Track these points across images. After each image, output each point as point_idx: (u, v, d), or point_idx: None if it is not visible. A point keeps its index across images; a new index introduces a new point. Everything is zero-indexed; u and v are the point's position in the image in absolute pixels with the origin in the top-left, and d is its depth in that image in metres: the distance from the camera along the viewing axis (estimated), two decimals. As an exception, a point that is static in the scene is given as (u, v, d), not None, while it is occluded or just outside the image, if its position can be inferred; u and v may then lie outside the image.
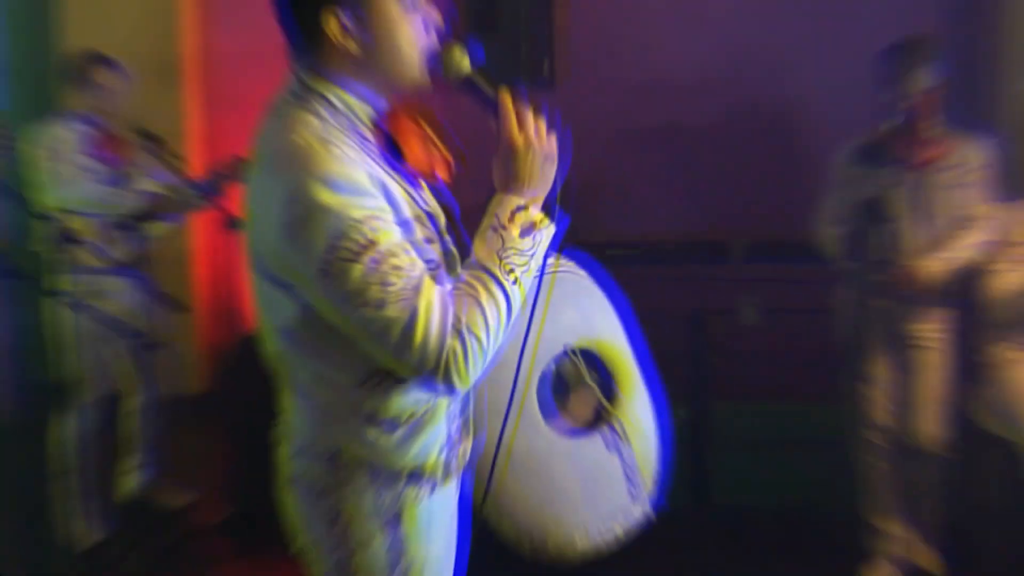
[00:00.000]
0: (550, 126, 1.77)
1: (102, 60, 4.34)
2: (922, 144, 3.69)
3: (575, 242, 4.48)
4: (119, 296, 4.13)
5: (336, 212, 1.58)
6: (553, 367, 2.28)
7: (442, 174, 1.88)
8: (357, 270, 1.58)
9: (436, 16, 1.79)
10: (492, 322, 1.66)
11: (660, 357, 4.50)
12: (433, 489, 1.88)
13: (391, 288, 1.59)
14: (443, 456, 1.88)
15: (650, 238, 4.77)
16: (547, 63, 4.97)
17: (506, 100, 1.75)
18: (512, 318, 1.72)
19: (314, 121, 1.70)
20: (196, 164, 5.38)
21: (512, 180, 1.74)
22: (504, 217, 1.72)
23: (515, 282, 1.70)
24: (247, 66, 5.57)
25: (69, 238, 3.37)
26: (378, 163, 1.73)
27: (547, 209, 1.77)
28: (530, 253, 1.72)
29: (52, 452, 4.14)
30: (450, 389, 1.69)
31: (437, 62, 1.78)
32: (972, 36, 5.15)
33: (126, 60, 5.38)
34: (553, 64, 4.99)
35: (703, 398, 4.27)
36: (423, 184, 1.86)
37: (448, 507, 1.96)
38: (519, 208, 1.72)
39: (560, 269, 2.24)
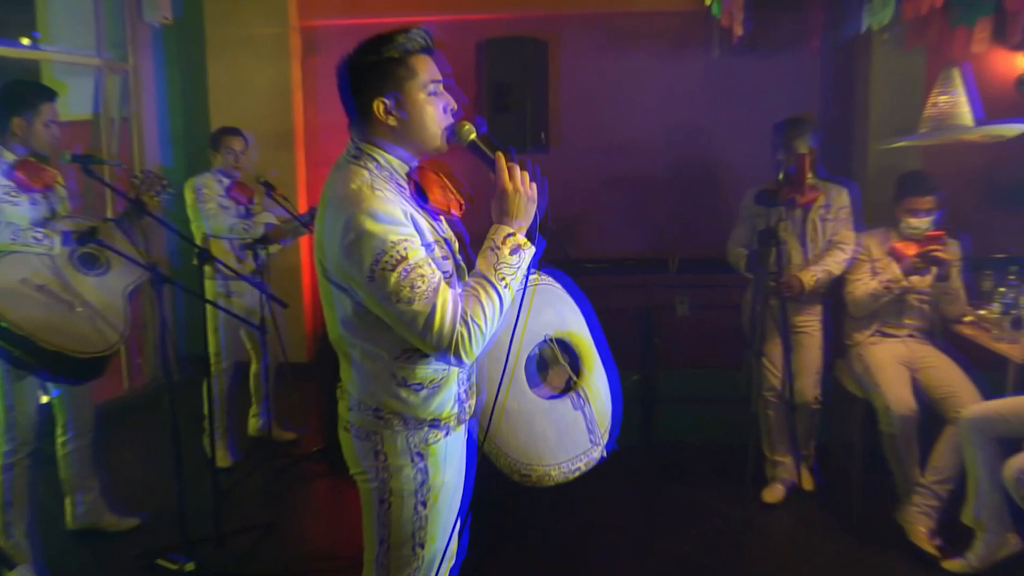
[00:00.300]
0: (532, 178, 1.80)
1: (233, 131, 4.35)
2: (803, 190, 3.66)
3: (565, 258, 4.48)
4: (245, 295, 4.17)
5: (379, 236, 1.64)
6: (536, 351, 2.28)
7: (456, 211, 1.90)
8: (394, 277, 1.63)
9: (453, 102, 1.84)
10: (489, 314, 1.70)
11: (619, 338, 4.50)
12: (448, 433, 1.90)
13: (418, 290, 1.64)
14: (455, 409, 1.90)
15: (613, 255, 4.78)
16: (544, 133, 4.96)
17: (501, 159, 1.78)
18: (504, 311, 1.75)
19: (365, 173, 1.75)
20: (302, 204, 5.41)
21: (504, 215, 1.77)
22: (498, 241, 1.75)
23: (506, 286, 1.73)
24: (339, 134, 5.61)
25: (210, 256, 3.37)
26: (410, 203, 1.77)
27: (530, 235, 1.80)
28: (517, 266, 1.75)
29: (203, 400, 4.22)
30: (459, 362, 1.73)
31: (452, 133, 1.82)
32: (845, 110, 5.12)
33: (254, 130, 5.44)
34: (549, 134, 4.98)
35: (650, 366, 4.26)
36: (442, 218, 1.88)
37: (459, 446, 1.97)
38: (509, 235, 1.75)
39: (542, 282, 2.26)
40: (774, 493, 3.82)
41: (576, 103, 5.15)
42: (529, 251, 1.78)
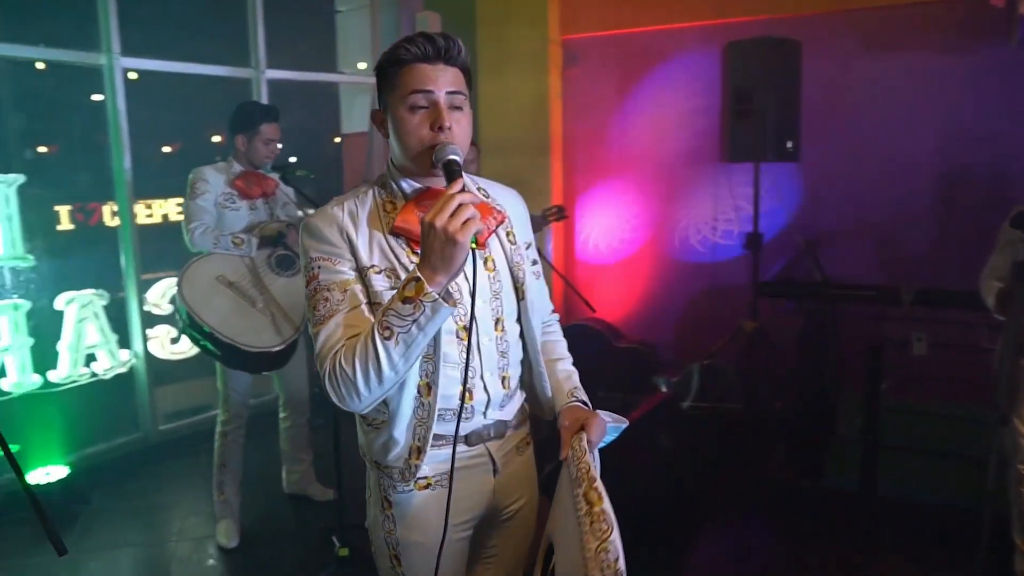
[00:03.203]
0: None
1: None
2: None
3: (820, 277, 3.68)
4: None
5: (305, 249, 1.46)
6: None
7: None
8: (307, 292, 1.45)
9: (443, 119, 1.40)
10: (359, 363, 1.31)
11: (844, 375, 3.64)
12: (406, 488, 1.50)
13: (317, 312, 1.40)
14: (397, 463, 1.49)
15: (848, 279, 3.86)
16: (792, 143, 4.13)
17: (450, 189, 1.29)
18: (385, 365, 1.30)
19: (364, 189, 1.51)
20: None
21: (421, 255, 1.30)
22: (402, 284, 1.31)
23: (389, 339, 1.29)
24: (591, 142, 5.30)
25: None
26: (379, 225, 1.45)
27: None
28: (410, 318, 1.28)
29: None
30: (327, 396, 1.37)
31: (435, 151, 1.40)
32: None
33: (516, 138, 5.33)
34: (798, 142, 4.16)
35: (874, 408, 3.35)
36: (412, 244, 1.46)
37: (432, 510, 1.52)
38: (415, 279, 1.28)
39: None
40: (1018, 590, 2.79)
41: (829, 110, 4.23)
42: (432, 305, 1.27)
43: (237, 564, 3.19)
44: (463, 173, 1.50)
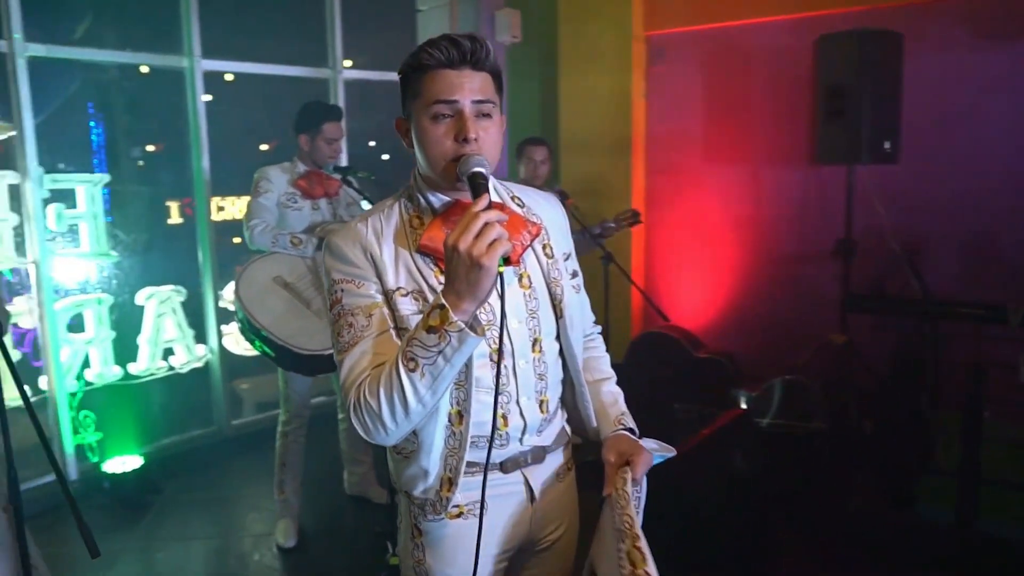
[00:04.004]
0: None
1: (537, 141, 4.08)
2: None
3: (921, 294, 3.40)
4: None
5: (327, 270, 1.38)
6: None
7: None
8: (331, 315, 1.37)
9: (465, 131, 1.29)
10: (383, 394, 1.22)
11: (942, 396, 3.34)
12: (437, 517, 1.41)
13: (340, 338, 1.32)
14: (426, 494, 1.40)
15: (945, 295, 3.52)
16: (890, 143, 3.82)
17: (474, 205, 1.18)
18: (411, 399, 1.21)
19: (388, 202, 1.43)
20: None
21: (446, 279, 1.20)
22: (426, 311, 1.21)
23: (414, 371, 1.19)
24: (674, 143, 5.10)
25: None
26: (405, 243, 1.36)
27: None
28: (435, 349, 1.17)
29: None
30: (354, 428, 1.28)
31: (459, 164, 1.30)
32: None
33: (596, 137, 5.19)
34: (897, 143, 3.85)
35: (974, 437, 3.04)
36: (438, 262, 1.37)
37: (464, 540, 1.42)
38: (440, 307, 1.17)
39: None
40: None
41: (932, 108, 3.88)
42: (458, 335, 1.16)
43: (292, 564, 3.21)
44: (493, 182, 1.41)
